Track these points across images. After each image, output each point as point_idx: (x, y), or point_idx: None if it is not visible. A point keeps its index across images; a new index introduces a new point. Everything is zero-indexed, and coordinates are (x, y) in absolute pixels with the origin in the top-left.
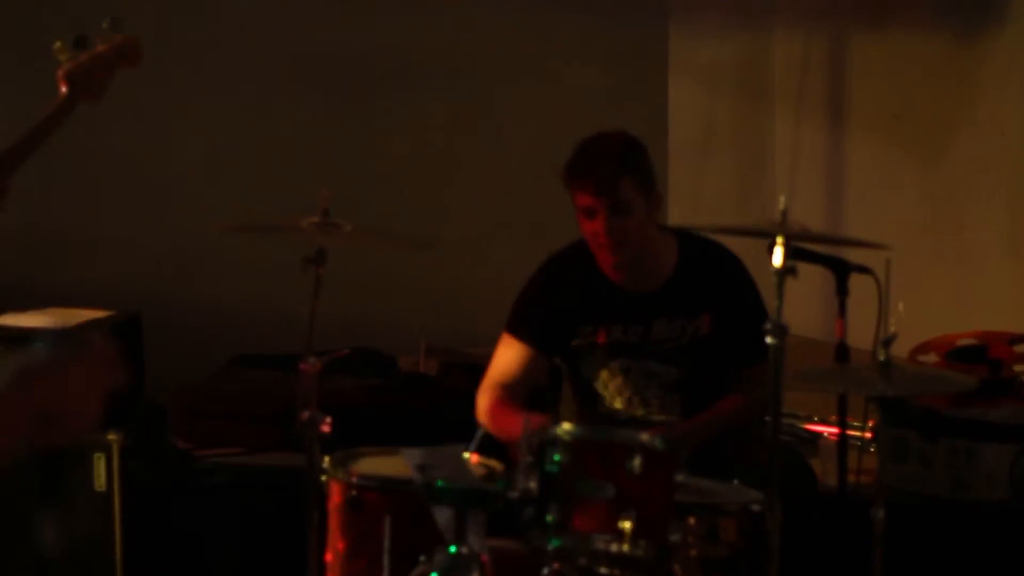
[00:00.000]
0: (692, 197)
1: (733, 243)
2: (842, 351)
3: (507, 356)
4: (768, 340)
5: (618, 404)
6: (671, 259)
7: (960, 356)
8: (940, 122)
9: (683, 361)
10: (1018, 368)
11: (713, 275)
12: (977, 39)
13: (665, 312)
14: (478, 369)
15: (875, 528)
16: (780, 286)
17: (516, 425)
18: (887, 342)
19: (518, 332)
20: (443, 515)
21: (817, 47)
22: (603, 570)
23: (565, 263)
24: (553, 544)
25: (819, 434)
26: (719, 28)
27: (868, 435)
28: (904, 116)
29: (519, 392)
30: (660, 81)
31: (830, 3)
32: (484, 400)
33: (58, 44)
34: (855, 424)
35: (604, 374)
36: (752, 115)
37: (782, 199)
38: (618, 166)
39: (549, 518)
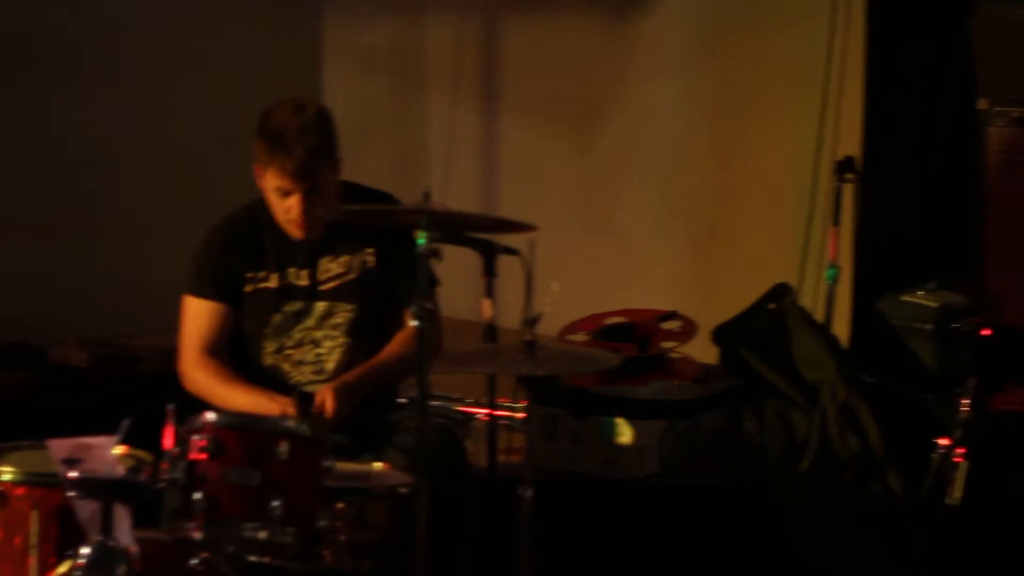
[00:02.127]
0: (348, 180)
1: None
2: (490, 332)
3: (196, 319)
4: (414, 323)
5: (288, 348)
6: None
7: (608, 335)
8: (592, 104)
9: (354, 297)
10: (666, 345)
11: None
12: (627, 22)
13: (330, 251)
14: (132, 359)
15: (523, 507)
16: (424, 269)
17: (245, 400)
18: (532, 322)
19: (199, 291)
20: (88, 508)
21: (469, 31)
22: (252, 558)
23: (236, 219)
24: (200, 533)
25: (472, 415)
26: (374, 12)
27: (521, 415)
28: (557, 98)
29: (221, 352)
30: (315, 64)
31: None
32: (197, 374)
33: None
34: (506, 404)
35: (276, 318)
36: (407, 99)
37: (426, 182)
38: (316, 151)
39: (196, 507)
